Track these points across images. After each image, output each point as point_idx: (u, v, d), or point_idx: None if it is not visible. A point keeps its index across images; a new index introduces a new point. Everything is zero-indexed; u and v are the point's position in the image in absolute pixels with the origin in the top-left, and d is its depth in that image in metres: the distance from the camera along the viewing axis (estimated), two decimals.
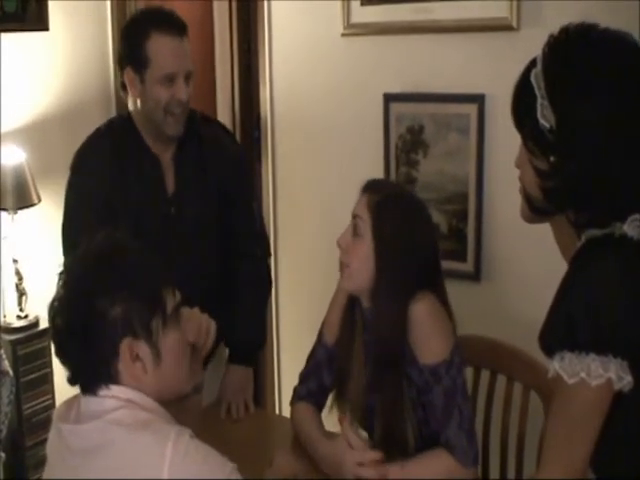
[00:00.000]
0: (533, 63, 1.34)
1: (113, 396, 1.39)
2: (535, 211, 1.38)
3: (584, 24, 1.33)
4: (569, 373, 1.25)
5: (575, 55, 1.29)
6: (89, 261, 1.43)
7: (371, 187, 1.89)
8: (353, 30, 2.90)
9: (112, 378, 1.40)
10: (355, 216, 1.86)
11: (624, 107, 1.27)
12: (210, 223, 2.25)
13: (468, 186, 2.69)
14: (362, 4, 2.86)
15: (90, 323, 1.37)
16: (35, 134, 2.95)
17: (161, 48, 2.08)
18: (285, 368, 3.34)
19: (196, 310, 1.71)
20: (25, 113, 2.91)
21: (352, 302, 1.94)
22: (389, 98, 2.83)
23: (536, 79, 1.31)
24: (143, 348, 1.40)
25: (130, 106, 2.19)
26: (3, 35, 2.83)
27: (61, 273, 1.44)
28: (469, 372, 2.26)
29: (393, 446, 1.85)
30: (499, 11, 2.55)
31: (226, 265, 2.32)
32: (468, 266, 2.73)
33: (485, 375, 2.21)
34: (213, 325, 1.74)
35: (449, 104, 2.70)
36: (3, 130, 2.82)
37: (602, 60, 1.28)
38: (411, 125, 2.80)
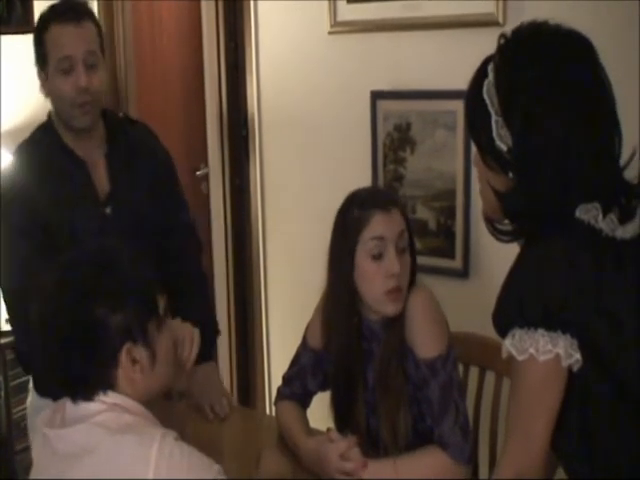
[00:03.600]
0: (484, 72, 1.33)
1: (99, 399, 1.39)
2: (498, 234, 1.38)
3: (534, 26, 1.32)
4: (519, 350, 1.27)
5: (527, 68, 1.29)
6: (86, 269, 1.41)
7: (389, 201, 1.86)
8: (340, 28, 2.89)
9: (109, 385, 1.40)
10: (401, 233, 1.82)
11: (582, 117, 1.27)
12: (146, 222, 2.19)
13: (456, 183, 2.69)
14: (348, 2, 2.85)
15: (91, 332, 1.37)
16: (23, 137, 2.92)
17: (56, 36, 2.02)
18: (275, 368, 3.33)
19: (178, 321, 1.72)
20: (13, 116, 2.90)
21: (352, 312, 1.89)
22: (376, 95, 2.83)
23: (489, 94, 1.31)
24: (141, 351, 1.41)
25: (50, 108, 2.13)
26: None
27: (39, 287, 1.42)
28: (458, 369, 2.26)
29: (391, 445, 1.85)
30: (485, 7, 2.55)
31: (164, 265, 2.23)
32: (456, 263, 2.73)
33: (474, 372, 2.21)
34: (197, 333, 1.75)
35: (436, 101, 2.69)
36: None
37: (554, 70, 1.28)
38: (398, 122, 2.79)
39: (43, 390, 1.66)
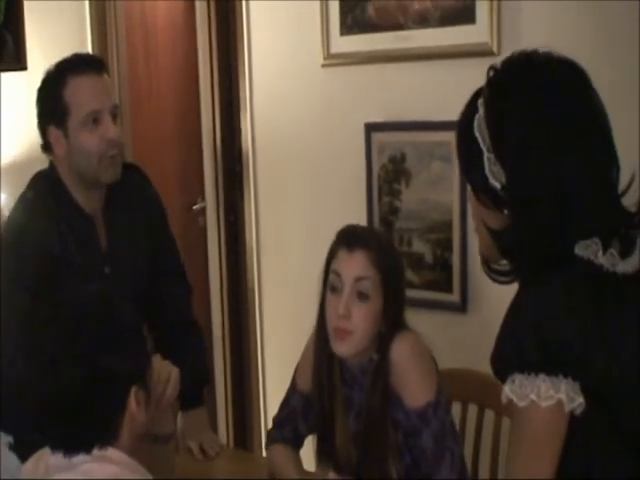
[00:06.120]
0: (474, 106, 1.27)
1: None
2: (494, 274, 1.32)
3: (524, 55, 1.28)
4: (519, 396, 1.21)
5: (517, 100, 1.24)
6: (90, 318, 1.37)
7: (357, 241, 1.78)
8: (333, 60, 2.87)
9: (115, 436, 1.37)
10: (359, 279, 1.74)
11: (577, 149, 1.22)
12: (142, 277, 2.14)
13: (452, 214, 2.64)
14: (342, 34, 2.83)
15: (107, 381, 1.35)
16: (15, 175, 2.88)
17: (79, 89, 1.94)
18: (272, 408, 3.26)
19: (157, 357, 1.66)
20: (5, 154, 2.85)
21: (328, 354, 1.84)
22: (370, 128, 2.80)
23: (479, 130, 1.25)
24: (142, 392, 1.41)
25: (56, 164, 2.03)
26: None
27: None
28: (456, 407, 2.19)
29: None
30: (479, 37, 2.53)
31: (154, 311, 2.22)
32: (454, 297, 2.67)
33: (473, 410, 2.15)
34: (175, 372, 1.68)
35: (431, 132, 2.66)
36: None
37: (546, 102, 1.22)
38: (393, 154, 2.75)
39: (24, 453, 1.57)
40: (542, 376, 1.19)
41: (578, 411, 1.20)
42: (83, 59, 2.01)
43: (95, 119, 1.95)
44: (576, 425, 1.22)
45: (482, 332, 2.64)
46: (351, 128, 2.85)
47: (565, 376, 1.18)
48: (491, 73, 1.28)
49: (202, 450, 2.17)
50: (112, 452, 1.36)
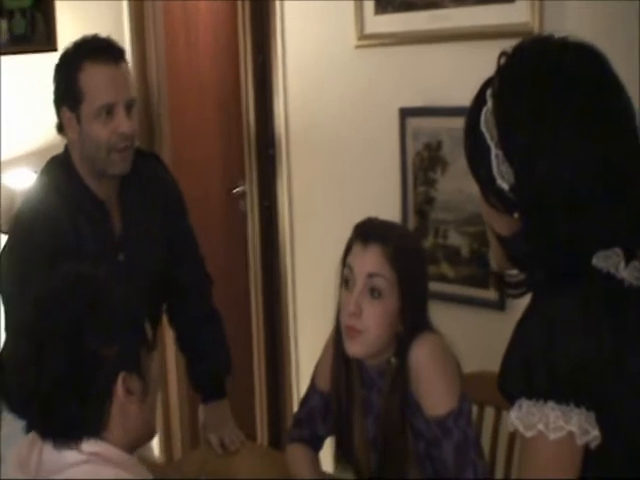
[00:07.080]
0: (483, 98, 1.14)
1: (76, 448, 1.28)
2: (506, 287, 1.21)
3: (538, 41, 1.15)
4: (526, 425, 1.08)
5: (530, 92, 1.10)
6: (76, 300, 1.31)
7: (372, 235, 1.68)
8: (367, 41, 2.74)
9: (103, 425, 1.30)
10: (372, 275, 1.65)
11: (596, 148, 1.08)
12: (157, 265, 2.12)
13: None
14: (376, 13, 2.70)
15: (86, 365, 1.29)
16: (47, 157, 2.85)
17: (94, 78, 1.91)
18: None
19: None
20: (37, 136, 2.83)
21: (346, 354, 1.75)
22: (405, 113, 2.66)
23: (487, 125, 1.12)
24: (135, 381, 1.33)
25: (69, 147, 2.03)
26: (14, 57, 2.77)
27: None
28: (489, 412, 2.09)
29: None
30: (520, 16, 2.37)
31: (173, 302, 2.24)
32: (491, 293, 2.52)
33: (507, 417, 2.02)
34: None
35: None
36: (14, 153, 2.76)
37: (561, 94, 1.09)
38: (428, 141, 2.62)
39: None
40: (551, 404, 1.07)
41: (593, 445, 1.08)
42: (102, 46, 1.97)
43: (109, 111, 1.92)
44: (590, 454, 1.10)
45: None
46: (385, 112, 2.73)
47: (577, 405, 1.06)
48: (502, 60, 1.15)
49: (222, 444, 2.15)
50: (105, 448, 1.29)
